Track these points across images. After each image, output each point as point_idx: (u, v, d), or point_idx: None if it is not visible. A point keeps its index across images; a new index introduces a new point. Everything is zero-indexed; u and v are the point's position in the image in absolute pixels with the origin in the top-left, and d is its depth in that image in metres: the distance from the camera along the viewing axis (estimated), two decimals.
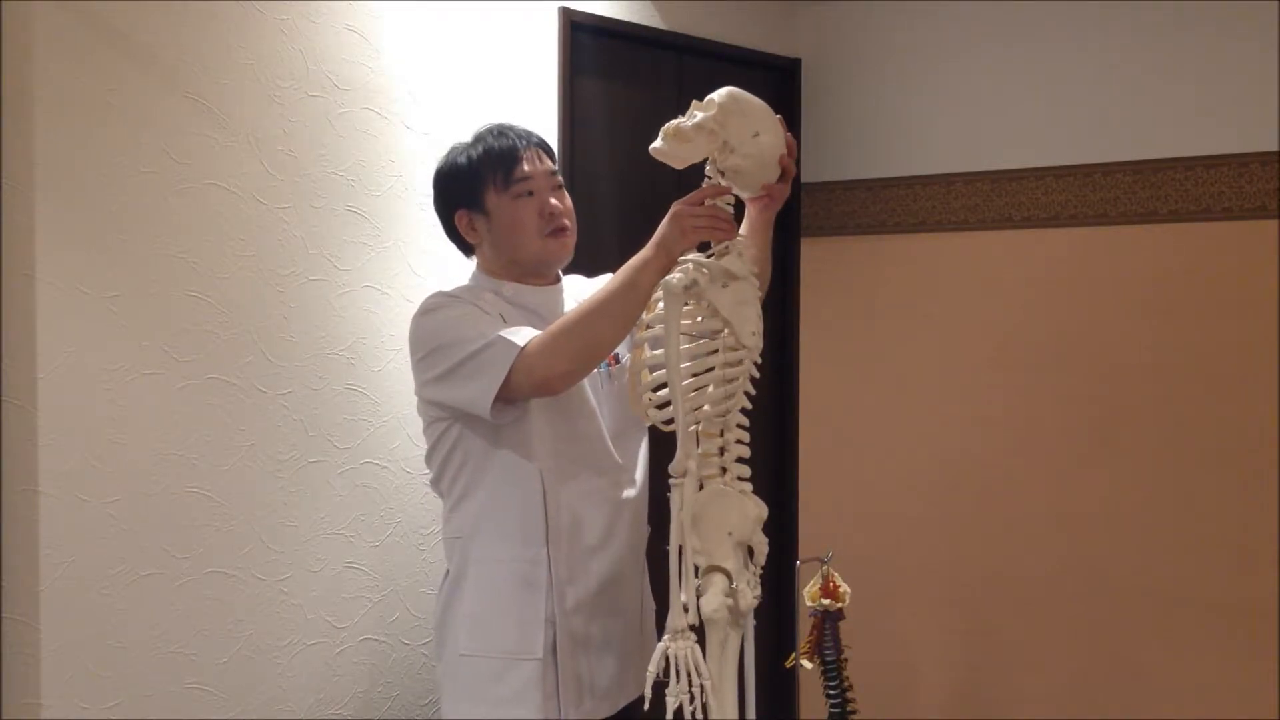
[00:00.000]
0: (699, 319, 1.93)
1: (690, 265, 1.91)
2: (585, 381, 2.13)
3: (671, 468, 1.89)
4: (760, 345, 1.94)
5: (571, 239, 2.17)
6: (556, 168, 2.18)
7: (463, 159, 2.14)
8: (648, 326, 1.97)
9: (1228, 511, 2.94)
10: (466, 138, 2.20)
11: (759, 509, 1.94)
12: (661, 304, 1.93)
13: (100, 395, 2.13)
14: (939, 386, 3.41)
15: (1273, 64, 2.85)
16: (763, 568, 1.96)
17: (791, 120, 3.66)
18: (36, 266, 2.05)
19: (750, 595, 1.90)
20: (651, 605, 2.30)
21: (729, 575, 1.90)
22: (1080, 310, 3.15)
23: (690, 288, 1.88)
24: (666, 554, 1.89)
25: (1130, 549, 3.08)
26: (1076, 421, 3.16)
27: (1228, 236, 2.93)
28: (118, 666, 2.16)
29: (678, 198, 1.97)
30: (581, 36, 3.01)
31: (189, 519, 2.25)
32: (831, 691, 2.33)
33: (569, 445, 2.12)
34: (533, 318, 2.11)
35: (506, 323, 2.06)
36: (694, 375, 1.92)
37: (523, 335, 1.99)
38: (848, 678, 2.34)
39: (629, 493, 2.18)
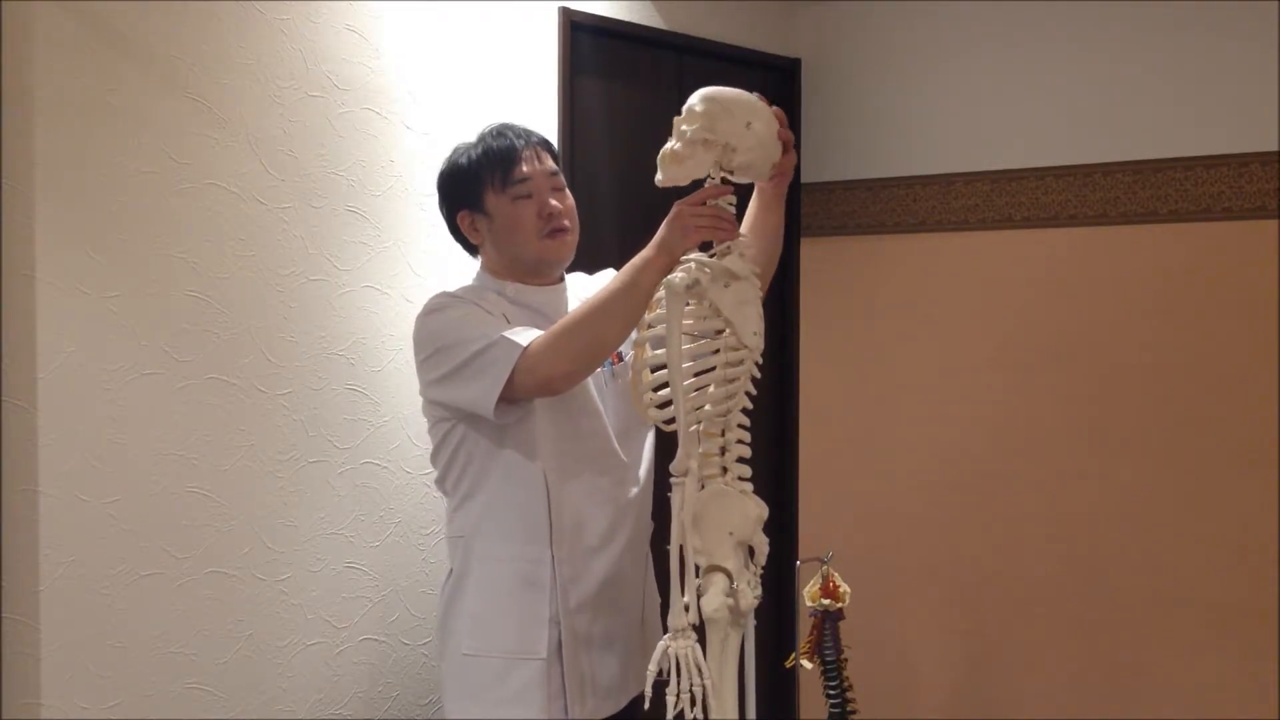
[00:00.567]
0: (702, 319, 1.93)
1: (692, 265, 1.91)
2: (589, 380, 2.13)
3: (673, 467, 1.89)
4: (762, 345, 1.94)
5: (572, 238, 2.17)
6: (558, 167, 2.18)
7: (463, 160, 2.16)
8: (649, 326, 1.97)
9: (1228, 511, 2.94)
10: (470, 138, 2.20)
11: (760, 509, 1.94)
12: (664, 304, 1.93)
13: (100, 395, 2.13)
14: (939, 386, 3.41)
15: (1273, 64, 2.85)
16: (763, 567, 1.96)
17: (792, 120, 3.64)
18: (36, 266, 2.05)
19: (751, 595, 1.91)
20: (656, 600, 2.30)
21: (729, 575, 1.90)
22: (1080, 310, 3.15)
23: (692, 287, 1.88)
24: (669, 552, 1.89)
25: (1130, 549, 3.08)
26: (1076, 421, 3.16)
27: (1228, 236, 2.93)
28: (118, 666, 2.16)
29: (678, 198, 1.97)
30: (581, 36, 3.00)
31: (189, 519, 2.25)
32: (831, 691, 2.33)
33: (573, 444, 2.12)
34: (536, 317, 2.11)
35: (510, 323, 2.07)
36: (696, 375, 1.92)
37: (525, 335, 1.99)
38: (848, 678, 2.35)
39: (633, 490, 2.19)
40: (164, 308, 2.21)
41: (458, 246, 2.27)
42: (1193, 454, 2.99)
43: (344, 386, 2.48)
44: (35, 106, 2.04)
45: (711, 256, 1.95)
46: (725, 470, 1.93)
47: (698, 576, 1.92)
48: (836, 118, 3.61)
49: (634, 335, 2.05)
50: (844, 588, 2.34)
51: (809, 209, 3.67)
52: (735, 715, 1.90)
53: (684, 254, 1.94)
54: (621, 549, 2.16)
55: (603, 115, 3.09)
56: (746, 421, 1.95)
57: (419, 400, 2.20)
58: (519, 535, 2.10)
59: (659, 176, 1.92)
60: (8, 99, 2.01)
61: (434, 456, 2.19)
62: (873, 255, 3.54)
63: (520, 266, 2.16)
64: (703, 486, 1.92)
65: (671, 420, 1.92)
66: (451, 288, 2.19)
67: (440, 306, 2.10)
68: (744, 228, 2.12)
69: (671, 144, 1.89)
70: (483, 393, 1.99)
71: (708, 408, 1.91)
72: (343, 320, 2.48)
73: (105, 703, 2.15)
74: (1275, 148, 2.86)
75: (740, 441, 1.94)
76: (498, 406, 1.99)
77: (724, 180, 1.95)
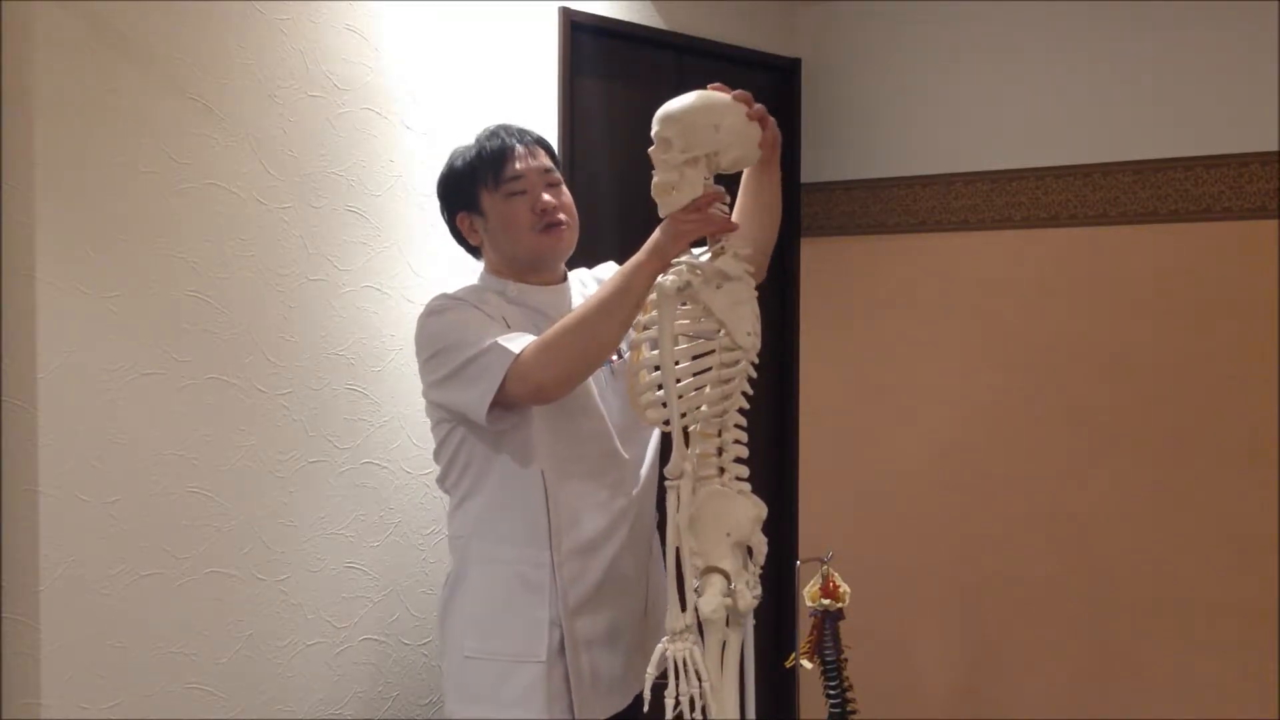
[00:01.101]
0: (698, 319, 1.93)
1: (684, 267, 1.91)
2: (590, 381, 2.13)
3: (668, 469, 1.90)
4: (757, 345, 1.94)
5: (568, 233, 2.17)
6: (553, 164, 2.18)
7: (459, 163, 2.17)
8: (645, 328, 1.97)
9: (1228, 511, 2.94)
10: (470, 139, 2.21)
11: (758, 509, 1.94)
12: (649, 301, 1.94)
13: (100, 395, 2.13)
14: (939, 386, 3.41)
15: (1273, 64, 2.85)
16: (762, 567, 1.96)
17: (792, 120, 3.66)
18: (36, 266, 2.05)
19: (749, 595, 1.90)
20: (662, 595, 2.30)
21: (727, 576, 1.89)
22: (1080, 310, 3.15)
23: (683, 289, 1.88)
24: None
25: (1130, 549, 3.08)
26: (1076, 421, 3.16)
27: (1228, 236, 2.93)
28: (118, 666, 2.16)
29: None
30: (581, 36, 3.00)
31: (189, 519, 2.25)
32: (831, 691, 2.33)
33: (572, 446, 2.12)
34: (537, 318, 2.11)
35: (510, 324, 2.07)
36: (693, 375, 1.92)
37: (519, 342, 1.99)
38: (848, 678, 2.35)
39: (635, 489, 2.19)
40: (164, 308, 2.21)
41: (458, 246, 2.27)
42: (1193, 454, 2.99)
43: (344, 386, 2.48)
44: (35, 106, 2.04)
45: (703, 256, 1.95)
46: (722, 471, 1.93)
47: (696, 578, 1.92)
48: (836, 118, 3.61)
49: (631, 335, 2.05)
50: (844, 588, 2.34)
51: (809, 209, 3.67)
52: (735, 716, 1.90)
53: (676, 257, 1.93)
54: (621, 547, 2.16)
55: (603, 115, 3.09)
56: (743, 421, 1.95)
57: (419, 400, 2.20)
58: (518, 537, 2.10)
59: (662, 210, 1.92)
60: (8, 99, 2.01)
61: (436, 455, 2.20)
62: (873, 255, 3.54)
63: (519, 264, 2.16)
64: (701, 487, 1.92)
65: (669, 421, 1.92)
66: (454, 289, 2.19)
67: (439, 309, 2.10)
68: (740, 205, 2.12)
69: (658, 176, 1.89)
70: (475, 400, 1.99)
71: (704, 408, 1.91)
72: (343, 320, 2.48)
73: (105, 703, 2.15)
74: (1275, 148, 2.85)
75: (737, 442, 1.94)
76: (492, 412, 1.99)
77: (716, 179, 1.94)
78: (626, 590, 2.19)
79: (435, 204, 2.27)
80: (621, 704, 2.18)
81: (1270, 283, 2.87)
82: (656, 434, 2.25)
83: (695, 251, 1.99)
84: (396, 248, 2.57)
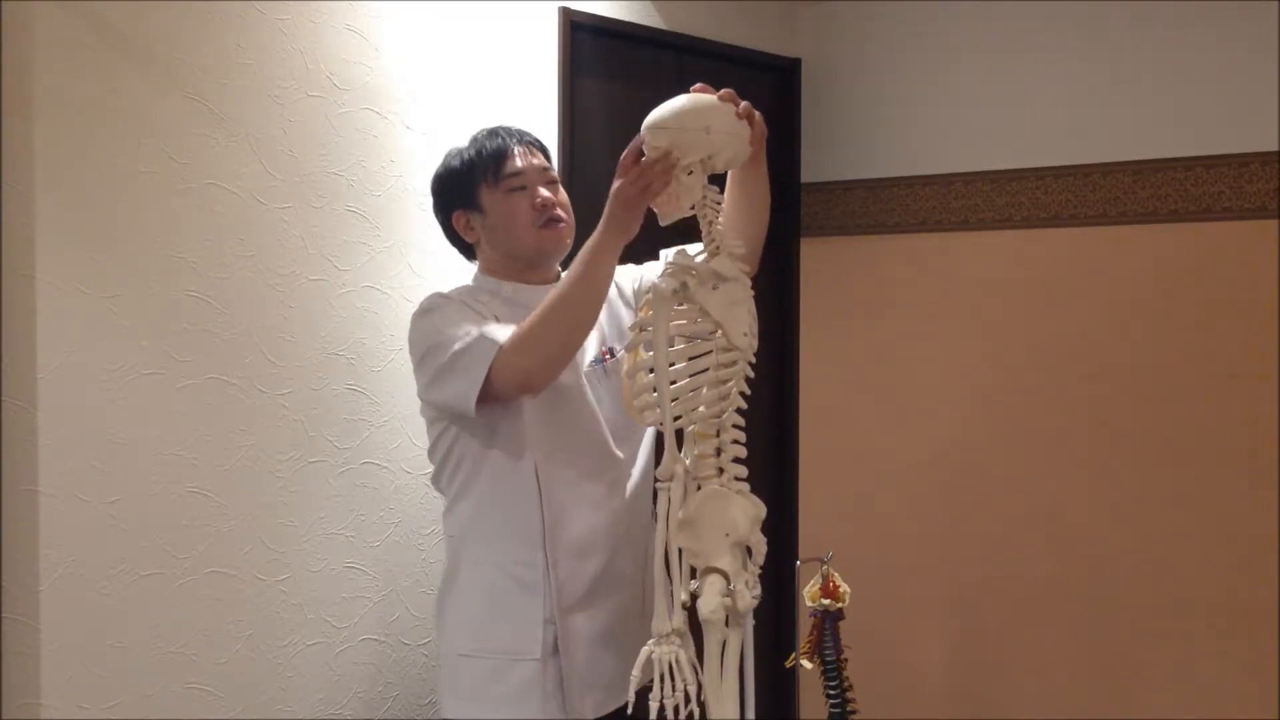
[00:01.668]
0: (694, 320, 1.93)
1: (679, 268, 1.91)
2: (583, 380, 2.13)
3: (659, 472, 1.90)
4: (754, 345, 1.94)
5: (567, 231, 2.18)
6: (550, 165, 2.21)
7: (456, 162, 2.19)
8: (642, 329, 1.97)
9: (1227, 512, 2.94)
10: (466, 140, 2.21)
11: (756, 509, 1.94)
12: (644, 302, 1.94)
13: (100, 395, 2.13)
14: (939, 386, 3.41)
15: (1273, 64, 2.85)
16: (761, 567, 1.96)
17: (792, 120, 3.66)
18: (36, 266, 2.05)
19: (749, 596, 1.90)
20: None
21: (726, 576, 1.89)
22: (1080, 310, 3.15)
23: (679, 291, 1.89)
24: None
25: (1130, 549, 3.08)
26: (1076, 421, 3.16)
27: (1228, 236, 2.93)
28: (118, 666, 2.16)
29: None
30: (581, 36, 3.00)
31: (189, 519, 2.25)
32: (831, 691, 2.33)
33: (565, 444, 2.12)
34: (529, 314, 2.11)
35: (500, 323, 2.07)
36: (690, 376, 1.92)
37: (505, 333, 2.00)
38: (848, 678, 2.35)
39: (630, 487, 2.19)
40: (164, 308, 2.21)
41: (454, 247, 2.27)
42: (1192, 454, 2.99)
43: (344, 386, 2.48)
44: (35, 106, 2.04)
45: (698, 257, 1.95)
46: (721, 471, 1.93)
47: (694, 578, 1.92)
48: (836, 118, 3.61)
49: (629, 335, 2.05)
50: (844, 588, 2.34)
51: (809, 209, 3.67)
52: (735, 716, 1.90)
53: (633, 224, 1.93)
54: (617, 546, 2.17)
55: (603, 115, 3.09)
56: (741, 422, 1.95)
57: (419, 400, 2.20)
58: (512, 536, 2.11)
59: (665, 222, 1.94)
60: (8, 99, 2.01)
61: (430, 454, 2.21)
62: (873, 255, 3.54)
63: (517, 262, 2.17)
64: (699, 488, 1.92)
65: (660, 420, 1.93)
66: (448, 288, 2.20)
67: (431, 308, 2.11)
68: (729, 201, 2.12)
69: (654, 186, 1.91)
70: (462, 392, 2.00)
71: (701, 409, 1.91)
72: (343, 320, 2.48)
73: (105, 703, 2.15)
74: (1275, 148, 2.85)
75: (735, 442, 1.94)
76: (481, 405, 2.00)
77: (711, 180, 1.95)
78: (623, 590, 2.19)
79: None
80: (616, 703, 2.18)
81: (1270, 283, 2.87)
82: (650, 433, 2.26)
83: (691, 252, 1.99)
84: (396, 248, 2.57)
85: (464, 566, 2.16)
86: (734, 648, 1.91)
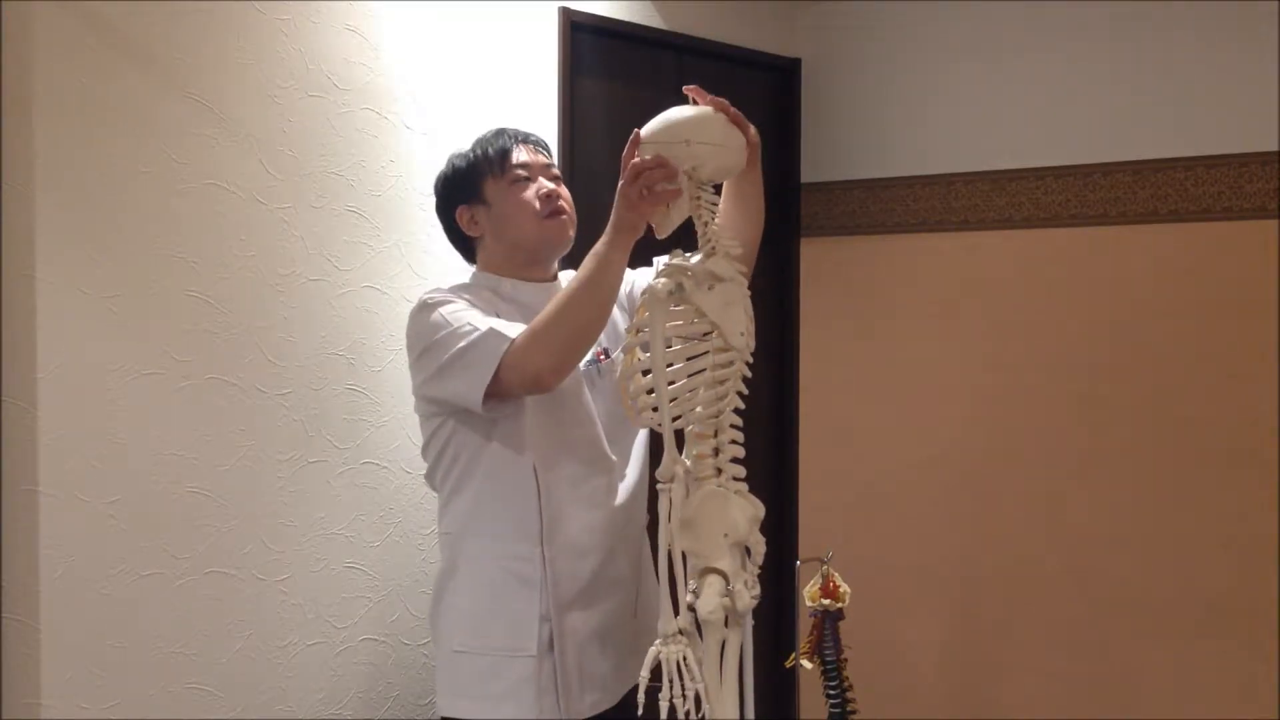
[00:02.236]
0: (690, 321, 1.93)
1: (675, 269, 1.91)
2: (582, 382, 2.14)
3: (659, 473, 1.89)
4: (751, 345, 1.94)
5: (570, 223, 2.20)
6: (554, 162, 2.24)
7: (460, 161, 2.21)
8: (638, 330, 1.97)
9: (1227, 512, 2.94)
10: (466, 139, 2.23)
11: (755, 509, 1.94)
12: (641, 304, 1.94)
13: (100, 395, 2.13)
14: (939, 386, 3.41)
15: (1273, 64, 2.85)
16: (760, 567, 1.96)
17: (792, 120, 3.66)
18: (36, 266, 2.05)
19: (748, 596, 1.90)
20: (653, 593, 2.30)
21: (725, 576, 1.89)
22: (1080, 310, 3.15)
23: (675, 293, 1.89)
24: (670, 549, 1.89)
25: (1130, 549, 3.08)
26: (1076, 421, 3.16)
27: (1228, 236, 2.93)
28: (118, 666, 2.16)
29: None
30: (581, 36, 3.01)
31: (189, 519, 2.25)
32: (831, 691, 2.33)
33: (562, 441, 2.12)
34: (529, 314, 2.10)
35: (504, 319, 2.08)
36: (688, 377, 1.92)
37: (514, 330, 2.01)
38: (848, 678, 2.34)
39: (624, 486, 2.20)
40: (164, 308, 2.21)
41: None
42: (1192, 454, 2.99)
43: (344, 386, 2.48)
44: (35, 106, 2.04)
45: (692, 258, 1.95)
46: (719, 471, 1.93)
47: (693, 579, 1.91)
48: (836, 118, 3.61)
49: (624, 337, 2.05)
50: (844, 588, 2.34)
51: (809, 209, 3.67)
52: (735, 716, 1.90)
53: (640, 224, 1.95)
54: (614, 546, 2.17)
55: (603, 115, 3.09)
56: (739, 422, 1.95)
57: (414, 396, 2.20)
58: (509, 533, 2.11)
59: (657, 231, 1.96)
60: (8, 99, 2.01)
61: (424, 451, 2.20)
62: (873, 255, 3.54)
63: (520, 256, 2.18)
64: (697, 488, 1.92)
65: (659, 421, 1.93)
66: (446, 285, 2.20)
67: (431, 302, 2.11)
68: (723, 206, 2.12)
69: None
70: (469, 386, 2.00)
71: (699, 410, 1.91)
72: (343, 320, 2.48)
73: (105, 703, 2.15)
74: (1275, 148, 2.85)
75: (734, 442, 1.94)
76: (487, 401, 2.00)
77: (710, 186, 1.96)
78: (618, 590, 2.20)
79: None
80: (609, 702, 2.18)
81: (1270, 283, 2.87)
82: (644, 435, 2.26)
83: (688, 254, 1.99)
84: (396, 248, 2.57)
85: (461, 563, 2.16)
86: (733, 648, 1.91)
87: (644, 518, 2.28)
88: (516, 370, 1.97)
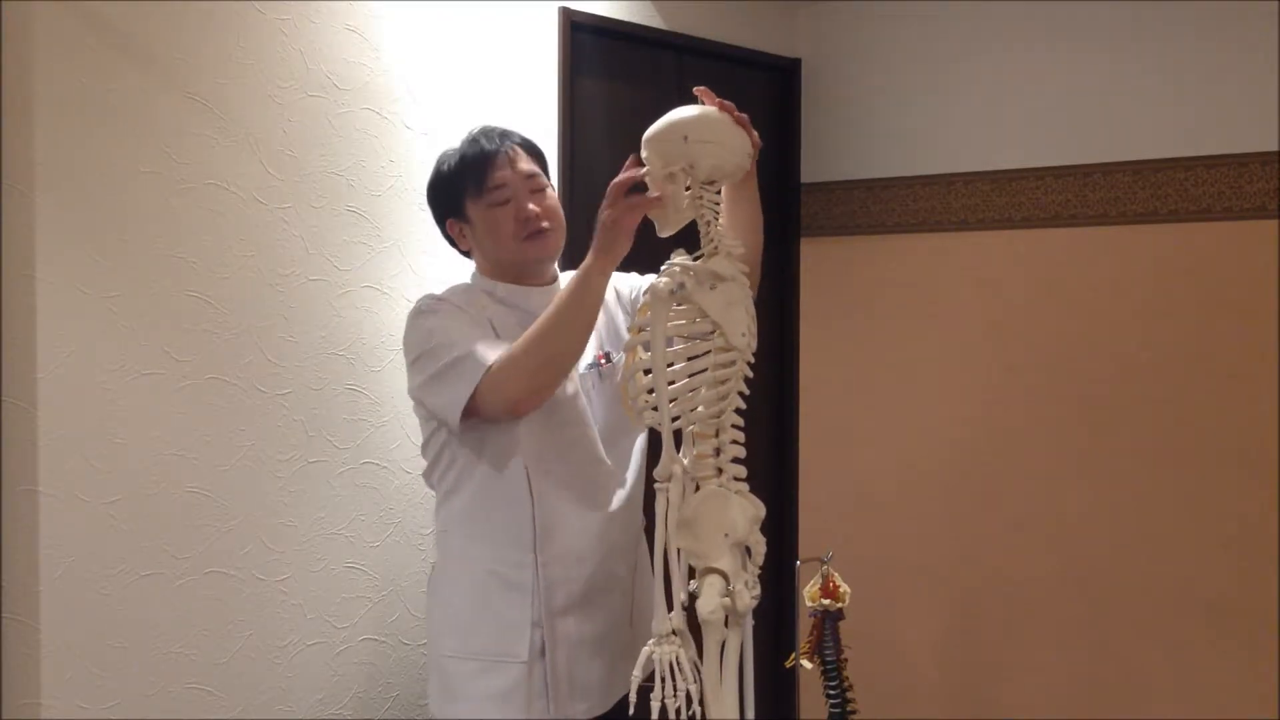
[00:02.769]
0: (692, 321, 1.93)
1: (677, 269, 1.91)
2: (578, 384, 2.14)
3: (656, 472, 1.90)
4: (752, 345, 1.94)
5: (553, 238, 2.16)
6: (538, 167, 2.18)
7: (445, 169, 2.18)
8: (640, 329, 1.97)
9: (1227, 512, 2.94)
10: (458, 141, 2.21)
11: (755, 509, 1.94)
12: (642, 304, 1.94)
13: (100, 395, 2.13)
14: (939, 386, 3.41)
15: (1273, 64, 2.85)
16: (761, 567, 1.96)
17: (792, 120, 3.66)
18: (36, 266, 2.05)
19: (748, 596, 1.90)
20: (648, 598, 2.29)
21: (725, 576, 1.89)
22: (1080, 310, 3.15)
23: (676, 292, 1.89)
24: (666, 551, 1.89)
25: (1130, 549, 3.08)
26: (1076, 421, 3.16)
27: (1228, 236, 2.93)
28: (118, 666, 2.16)
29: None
30: (581, 36, 3.01)
31: (189, 519, 2.25)
32: (831, 691, 2.33)
33: (557, 447, 2.12)
34: (526, 318, 2.10)
35: (496, 326, 2.09)
36: (689, 376, 1.92)
37: (495, 352, 2.00)
38: (848, 678, 2.34)
39: (619, 494, 2.19)
40: (164, 308, 2.21)
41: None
42: (1192, 454, 2.99)
43: (344, 386, 2.48)
44: (35, 106, 2.04)
45: (696, 259, 1.95)
46: (720, 471, 1.93)
47: (693, 579, 1.91)
48: (836, 118, 3.61)
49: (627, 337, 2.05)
50: (844, 588, 2.34)
51: (809, 209, 3.67)
52: (735, 716, 1.90)
53: (621, 248, 1.95)
54: (607, 552, 2.16)
55: (603, 115, 3.09)
56: (740, 422, 1.94)
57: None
58: (501, 537, 2.11)
59: (659, 229, 1.95)
60: (8, 99, 2.01)
61: (424, 449, 2.21)
62: (873, 255, 3.54)
63: (509, 268, 2.17)
64: (698, 488, 1.92)
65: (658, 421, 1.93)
66: (444, 287, 2.20)
67: (427, 310, 2.11)
68: (723, 217, 2.11)
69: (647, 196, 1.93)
70: (447, 406, 2.02)
71: (700, 409, 1.91)
72: (343, 320, 2.48)
73: (105, 703, 2.15)
74: (1275, 148, 2.86)
75: (735, 442, 1.93)
76: (466, 420, 2.01)
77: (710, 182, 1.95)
78: (612, 596, 2.18)
79: None
80: (602, 708, 2.18)
81: (1270, 283, 2.87)
82: (642, 440, 2.25)
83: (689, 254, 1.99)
84: (396, 248, 2.57)
85: (452, 564, 2.16)
86: (733, 648, 1.91)
87: (641, 523, 2.27)
88: (492, 395, 1.98)
